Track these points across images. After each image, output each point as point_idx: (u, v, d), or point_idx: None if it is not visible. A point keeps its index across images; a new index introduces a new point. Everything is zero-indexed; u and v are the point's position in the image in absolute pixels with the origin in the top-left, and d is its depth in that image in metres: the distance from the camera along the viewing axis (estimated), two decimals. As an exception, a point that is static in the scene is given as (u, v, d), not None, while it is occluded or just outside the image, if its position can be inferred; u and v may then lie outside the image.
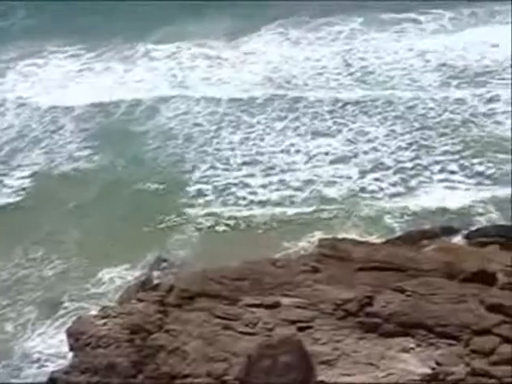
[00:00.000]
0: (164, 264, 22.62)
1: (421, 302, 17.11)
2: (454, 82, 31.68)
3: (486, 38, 35.24)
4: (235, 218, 24.41)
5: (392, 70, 33.37)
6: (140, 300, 18.70)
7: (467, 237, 22.19)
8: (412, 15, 37.79)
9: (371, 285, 18.37)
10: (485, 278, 18.49)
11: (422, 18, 37.74)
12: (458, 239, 22.19)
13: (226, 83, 33.52)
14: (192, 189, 26.08)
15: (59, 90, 34.56)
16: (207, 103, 32.09)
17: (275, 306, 17.58)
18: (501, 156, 26.16)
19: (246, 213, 24.73)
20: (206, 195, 25.79)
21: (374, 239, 22.38)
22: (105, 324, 17.87)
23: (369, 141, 28.16)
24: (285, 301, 17.72)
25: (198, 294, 18.62)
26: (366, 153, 27.34)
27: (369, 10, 38.92)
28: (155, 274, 22.14)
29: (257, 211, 24.68)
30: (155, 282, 21.32)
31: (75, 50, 37.81)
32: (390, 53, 34.98)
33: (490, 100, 30.04)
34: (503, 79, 31.54)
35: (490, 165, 25.58)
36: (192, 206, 25.27)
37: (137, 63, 36.26)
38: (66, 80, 35.56)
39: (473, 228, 22.63)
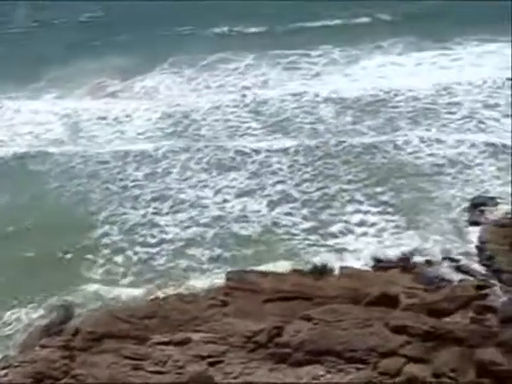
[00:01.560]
0: (69, 306, 21.90)
1: (328, 328, 17.37)
2: (349, 112, 32.84)
3: (371, 70, 36.98)
4: (142, 259, 24.01)
5: (285, 101, 34.28)
6: (43, 346, 17.99)
7: (371, 262, 22.76)
8: (301, 51, 39.27)
9: (280, 315, 18.53)
10: (388, 300, 19.07)
11: (312, 52, 39.21)
12: (361, 264, 22.71)
13: (124, 122, 33.36)
14: (99, 230, 25.51)
15: None
16: (110, 141, 31.76)
17: (185, 342, 17.38)
18: (400, 181, 27.30)
19: (153, 250, 24.37)
20: (112, 235, 25.25)
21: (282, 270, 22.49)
22: (6, 375, 17.05)
23: (273, 173, 28.68)
24: (195, 336, 17.56)
25: (105, 335, 18.16)
26: (272, 185, 27.78)
27: (260, 46, 40.23)
28: (59, 317, 21.39)
29: (165, 251, 24.37)
30: (60, 325, 20.60)
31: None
32: (283, 86, 36.01)
33: (386, 127, 31.33)
34: (395, 107, 33.01)
35: (393, 193, 26.60)
36: (98, 246, 24.66)
37: (30, 103, 35.65)
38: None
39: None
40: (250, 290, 19.64)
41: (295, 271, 21.85)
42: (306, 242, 24.27)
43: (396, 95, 33.99)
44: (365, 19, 43.03)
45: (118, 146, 31.45)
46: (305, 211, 25.93)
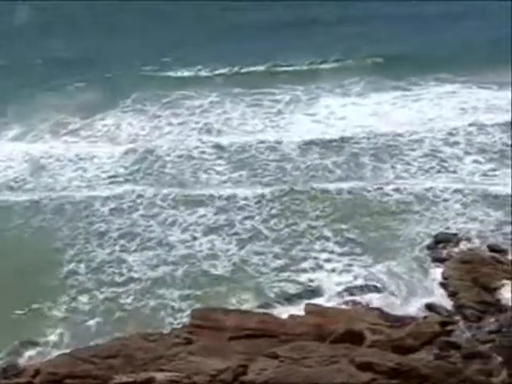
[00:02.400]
0: (30, 348, 21.42)
1: (294, 366, 17.31)
2: (316, 149, 33.18)
3: (334, 109, 37.40)
4: (109, 298, 23.61)
5: (248, 136, 34.52)
6: (2, 388, 17.60)
7: (336, 299, 22.79)
8: (265, 90, 39.75)
9: (245, 353, 18.42)
10: (353, 337, 19.10)
11: (275, 90, 39.67)
12: (326, 301, 22.73)
13: (86, 159, 33.22)
14: (64, 269, 25.09)
15: None
16: (73, 179, 31.56)
17: (149, 381, 17.13)
18: (366, 219, 27.57)
19: (120, 290, 24.02)
20: (79, 274, 24.86)
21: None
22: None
23: (240, 208, 28.72)
24: (159, 376, 17.32)
25: (67, 376, 17.82)
26: (240, 222, 27.81)
27: (222, 84, 40.63)
28: (19, 358, 20.89)
29: (133, 290, 24.05)
30: (20, 367, 20.12)
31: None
32: (245, 123, 36.22)
33: (350, 163, 31.73)
34: (357, 143, 33.48)
35: (358, 231, 26.80)
36: (64, 286, 24.24)
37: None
38: None
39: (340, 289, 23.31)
40: (215, 328, 19.50)
41: (260, 308, 21.82)
42: (276, 278, 24.17)
43: (358, 134, 34.50)
44: (333, 64, 43.62)
45: (80, 183, 31.18)
46: (275, 248, 25.87)
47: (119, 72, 42.15)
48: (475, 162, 31.49)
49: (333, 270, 24.49)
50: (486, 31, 45.65)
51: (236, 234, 26.93)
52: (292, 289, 23.66)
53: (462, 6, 49.62)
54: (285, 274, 24.44)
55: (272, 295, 23.29)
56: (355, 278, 23.97)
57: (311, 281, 23.94)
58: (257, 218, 27.90)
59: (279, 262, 25.09)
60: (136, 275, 24.69)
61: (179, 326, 21.28)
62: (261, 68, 42.83)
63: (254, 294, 23.42)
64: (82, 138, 35.46)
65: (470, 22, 48.25)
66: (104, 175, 31.78)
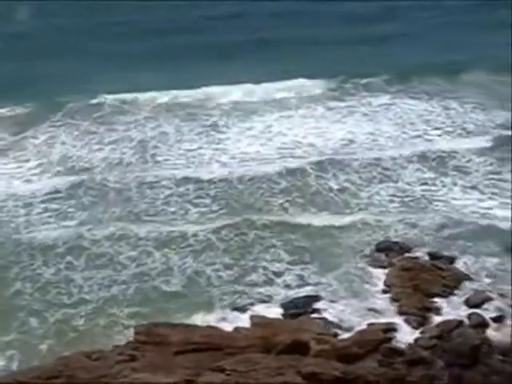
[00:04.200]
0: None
1: (241, 379, 17.23)
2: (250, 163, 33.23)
3: (269, 123, 37.67)
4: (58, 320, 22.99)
5: (183, 153, 34.55)
6: None
7: (282, 309, 22.74)
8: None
9: (191, 367, 18.21)
10: (299, 348, 19.14)
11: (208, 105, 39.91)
12: (272, 311, 22.67)
13: (17, 177, 32.62)
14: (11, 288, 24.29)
15: None
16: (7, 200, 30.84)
17: (92, 401, 16.77)
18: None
19: (67, 311, 23.43)
20: (25, 293, 24.16)
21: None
22: None
23: (188, 222, 28.50)
24: (102, 395, 16.98)
25: (7, 399, 17.29)
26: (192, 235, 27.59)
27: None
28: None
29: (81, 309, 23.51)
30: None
31: None
32: (182, 138, 36.14)
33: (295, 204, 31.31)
34: (302, 157, 33.76)
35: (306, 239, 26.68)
36: (12, 307, 23.46)
37: None
38: None
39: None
40: (160, 343, 19.23)
41: (205, 321, 21.65)
42: (226, 290, 23.97)
43: (298, 147, 34.77)
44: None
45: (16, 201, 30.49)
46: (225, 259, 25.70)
47: (51, 88, 41.31)
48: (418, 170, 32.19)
49: (273, 281, 24.45)
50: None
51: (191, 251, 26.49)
52: (239, 300, 23.52)
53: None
54: (236, 286, 24.21)
55: (219, 308, 23.09)
56: (299, 287, 24.03)
57: (259, 293, 23.86)
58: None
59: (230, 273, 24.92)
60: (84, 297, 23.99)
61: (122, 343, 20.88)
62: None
63: (205, 307, 23.17)
64: (11, 158, 34.61)
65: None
66: (38, 193, 30.90)
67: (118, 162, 33.92)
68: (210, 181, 31.68)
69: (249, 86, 42.30)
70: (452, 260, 25.01)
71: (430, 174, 31.90)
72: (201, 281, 24.63)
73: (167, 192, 30.90)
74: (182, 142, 35.86)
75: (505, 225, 27.09)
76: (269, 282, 24.44)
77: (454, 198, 29.78)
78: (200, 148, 35.24)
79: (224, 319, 22.15)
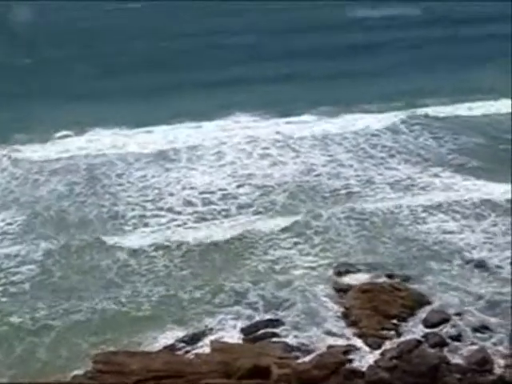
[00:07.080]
0: None
1: (202, 406, 17.06)
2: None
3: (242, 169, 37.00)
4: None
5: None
6: None
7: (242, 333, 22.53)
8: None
9: (152, 396, 17.98)
10: (260, 372, 19.06)
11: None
12: (232, 335, 22.45)
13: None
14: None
15: None
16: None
17: (49, 433, 16.34)
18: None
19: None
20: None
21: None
22: None
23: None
24: (59, 426, 16.57)
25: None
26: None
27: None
28: None
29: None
30: None
31: None
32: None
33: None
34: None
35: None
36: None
37: None
38: None
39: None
40: (119, 372, 18.94)
41: (165, 348, 21.34)
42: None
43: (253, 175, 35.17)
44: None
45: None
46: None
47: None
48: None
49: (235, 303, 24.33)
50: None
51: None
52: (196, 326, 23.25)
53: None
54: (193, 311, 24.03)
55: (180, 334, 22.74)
56: (258, 311, 23.88)
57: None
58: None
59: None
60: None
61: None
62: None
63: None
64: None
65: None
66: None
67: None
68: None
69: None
70: (409, 280, 25.28)
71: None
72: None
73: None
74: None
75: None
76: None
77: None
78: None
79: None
